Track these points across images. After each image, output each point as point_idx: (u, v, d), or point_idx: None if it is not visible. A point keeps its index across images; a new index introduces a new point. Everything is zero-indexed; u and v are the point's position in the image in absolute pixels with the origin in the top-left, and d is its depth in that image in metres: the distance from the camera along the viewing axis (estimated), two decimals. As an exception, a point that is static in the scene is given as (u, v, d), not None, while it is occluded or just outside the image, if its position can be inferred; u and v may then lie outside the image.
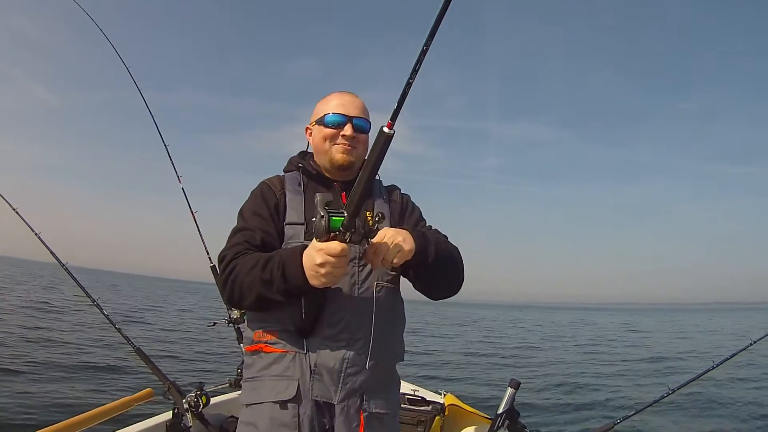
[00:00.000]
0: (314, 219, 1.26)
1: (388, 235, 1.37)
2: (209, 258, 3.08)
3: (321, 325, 1.45)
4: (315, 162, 1.66)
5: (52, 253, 2.79)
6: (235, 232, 1.54)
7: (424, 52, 1.01)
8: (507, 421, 2.57)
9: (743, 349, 2.73)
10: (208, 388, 2.49)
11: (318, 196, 1.26)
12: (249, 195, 1.62)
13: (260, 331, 1.51)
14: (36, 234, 2.81)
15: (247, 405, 1.51)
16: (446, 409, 3.16)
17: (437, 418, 3.09)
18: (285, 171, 1.69)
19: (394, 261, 1.37)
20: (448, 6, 0.97)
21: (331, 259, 1.25)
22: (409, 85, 1.03)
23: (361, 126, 1.60)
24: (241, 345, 2.51)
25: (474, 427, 3.07)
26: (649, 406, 2.61)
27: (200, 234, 3.19)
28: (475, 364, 12.64)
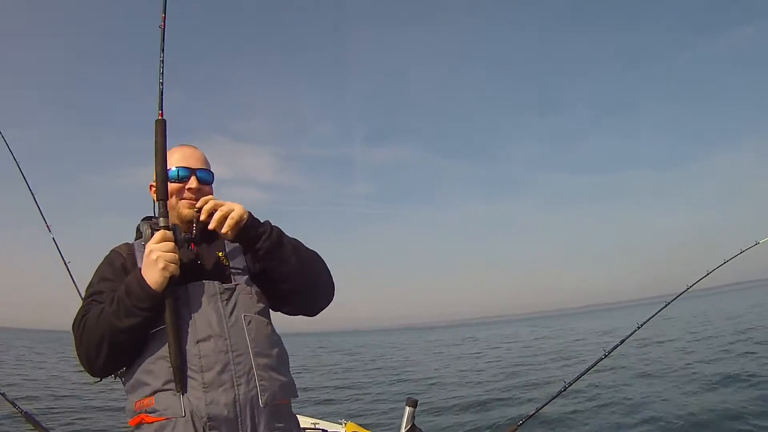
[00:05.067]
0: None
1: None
2: None
3: (195, 372, 1.36)
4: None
5: None
6: (84, 299, 1.53)
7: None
8: (411, 439, 2.44)
9: (631, 334, 2.86)
10: None
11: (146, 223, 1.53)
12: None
13: (137, 400, 1.40)
14: None
15: None
16: None
17: (340, 447, 2.93)
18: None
19: (231, 217, 1.44)
20: None
21: (155, 245, 1.38)
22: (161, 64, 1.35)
23: (205, 178, 1.65)
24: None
25: None
26: (548, 402, 2.60)
27: (75, 284, 3.07)
28: (371, 390, 12.39)
